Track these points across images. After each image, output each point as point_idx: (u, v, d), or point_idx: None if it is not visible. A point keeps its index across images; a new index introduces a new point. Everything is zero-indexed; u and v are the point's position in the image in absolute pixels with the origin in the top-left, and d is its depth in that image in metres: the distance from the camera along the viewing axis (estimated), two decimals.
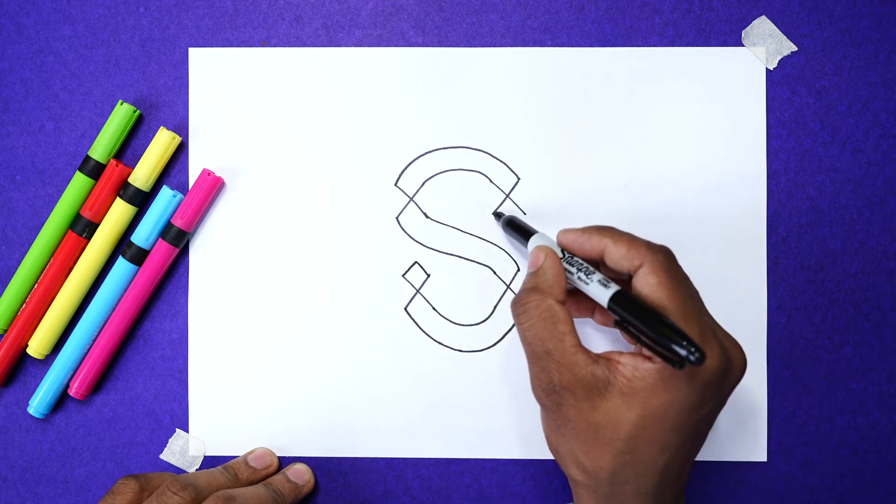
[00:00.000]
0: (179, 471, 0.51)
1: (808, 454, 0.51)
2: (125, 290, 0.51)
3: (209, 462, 0.51)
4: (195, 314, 0.52)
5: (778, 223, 0.51)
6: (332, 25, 0.52)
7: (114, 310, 0.51)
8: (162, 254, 0.50)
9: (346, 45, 0.52)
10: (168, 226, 0.50)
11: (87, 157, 0.50)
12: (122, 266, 0.50)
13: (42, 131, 0.52)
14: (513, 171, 0.51)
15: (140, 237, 0.50)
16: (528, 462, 0.51)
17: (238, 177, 0.52)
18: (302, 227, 0.52)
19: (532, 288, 0.42)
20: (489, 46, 0.51)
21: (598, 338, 0.51)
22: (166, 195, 0.50)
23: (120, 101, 0.50)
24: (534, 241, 0.45)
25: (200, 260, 0.52)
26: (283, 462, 0.51)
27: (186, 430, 0.51)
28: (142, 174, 0.50)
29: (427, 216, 0.52)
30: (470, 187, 0.52)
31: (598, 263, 0.43)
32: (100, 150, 0.50)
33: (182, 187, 0.52)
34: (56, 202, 0.51)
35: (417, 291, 0.51)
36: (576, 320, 0.46)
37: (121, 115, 0.50)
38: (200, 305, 0.52)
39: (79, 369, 0.51)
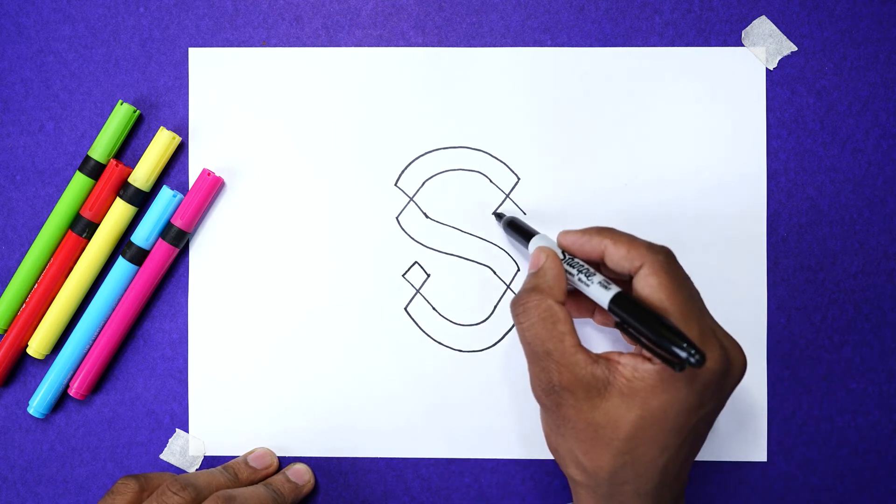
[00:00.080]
0: (179, 471, 0.51)
1: (808, 454, 0.51)
2: (125, 290, 0.51)
3: (209, 462, 0.51)
4: (195, 314, 0.52)
5: (778, 223, 0.51)
6: (332, 25, 0.52)
7: (114, 310, 0.51)
8: (162, 254, 0.50)
9: (346, 45, 0.52)
10: (168, 226, 0.50)
11: (87, 157, 0.50)
12: (122, 266, 0.50)
13: (42, 131, 0.52)
14: (513, 171, 0.51)
15: (140, 237, 0.50)
16: (528, 462, 0.51)
17: (238, 177, 0.52)
18: (302, 227, 0.52)
19: (532, 288, 0.42)
20: (489, 46, 0.51)
21: (598, 338, 0.51)
22: (166, 195, 0.50)
23: (120, 101, 0.50)
24: (535, 243, 0.45)
25: (200, 260, 0.52)
26: (283, 462, 0.51)
27: (186, 430, 0.51)
28: (142, 174, 0.50)
29: (427, 216, 0.52)
30: (470, 187, 0.52)
31: (598, 264, 0.43)
32: (100, 150, 0.50)
33: (182, 187, 0.52)
34: (56, 202, 0.51)
35: (417, 291, 0.51)
36: (576, 320, 0.46)
37: (121, 115, 0.50)
38: (200, 305, 0.52)
39: (79, 369, 0.51)
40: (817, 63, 0.51)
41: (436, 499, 0.51)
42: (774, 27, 0.51)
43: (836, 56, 0.51)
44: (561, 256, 0.43)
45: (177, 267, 0.52)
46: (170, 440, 0.52)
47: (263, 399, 0.51)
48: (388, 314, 0.51)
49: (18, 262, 0.52)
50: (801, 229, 0.51)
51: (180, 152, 0.52)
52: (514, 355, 0.51)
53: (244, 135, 0.52)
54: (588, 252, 0.43)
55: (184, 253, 0.52)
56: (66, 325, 0.51)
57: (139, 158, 0.51)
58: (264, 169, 0.52)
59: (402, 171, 0.52)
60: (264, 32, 0.52)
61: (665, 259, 0.40)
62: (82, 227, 0.50)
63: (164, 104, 0.52)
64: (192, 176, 0.51)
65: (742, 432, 0.51)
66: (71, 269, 0.51)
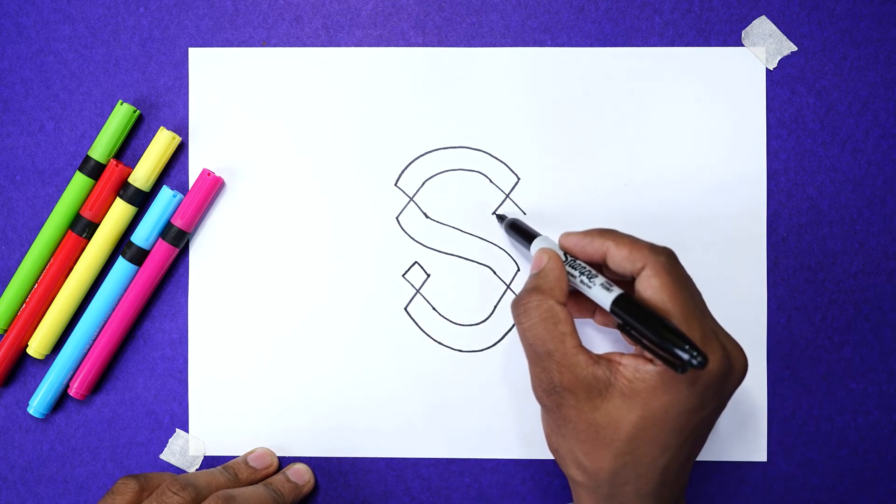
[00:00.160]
0: (179, 471, 0.51)
1: (808, 454, 0.51)
2: (125, 290, 0.51)
3: (209, 462, 0.51)
4: (195, 314, 0.52)
5: (778, 223, 0.51)
6: (332, 25, 0.52)
7: (114, 310, 0.51)
8: (162, 254, 0.50)
9: (346, 45, 0.52)
10: (168, 226, 0.50)
11: (87, 157, 0.50)
12: (122, 266, 0.50)
13: (42, 131, 0.52)
14: (513, 171, 0.51)
15: (140, 237, 0.50)
16: (528, 462, 0.51)
17: (238, 177, 0.52)
18: (302, 226, 0.52)
19: (533, 289, 0.42)
20: (489, 46, 0.51)
21: (599, 339, 0.51)
22: (166, 195, 0.50)
23: (120, 101, 0.50)
24: (536, 244, 0.45)
25: (200, 260, 0.52)
26: (283, 462, 0.51)
27: (186, 430, 0.51)
28: (142, 174, 0.50)
29: (427, 216, 0.52)
30: (470, 187, 0.52)
31: (600, 266, 0.43)
32: (100, 150, 0.50)
33: (182, 187, 0.52)
34: (56, 202, 0.51)
35: (417, 291, 0.51)
36: (576, 321, 0.46)
37: (121, 115, 0.50)
38: (200, 305, 0.52)
39: (79, 369, 0.51)
40: (817, 63, 0.51)
41: (436, 499, 0.51)
42: (774, 27, 0.51)
43: (836, 56, 0.51)
44: (563, 258, 0.43)
45: (177, 267, 0.52)
46: (170, 440, 0.52)
47: (263, 399, 0.51)
48: (388, 314, 0.51)
49: (18, 262, 0.52)
50: (801, 229, 0.51)
51: (180, 152, 0.52)
52: (514, 355, 0.51)
53: (244, 135, 0.52)
54: (590, 254, 0.43)
55: (184, 253, 0.52)
56: (66, 325, 0.51)
57: (139, 158, 0.51)
58: (264, 169, 0.52)
59: (402, 171, 0.52)
60: (264, 32, 0.52)
61: (667, 260, 0.40)
62: (82, 227, 0.50)
63: (164, 104, 0.52)
64: (192, 176, 0.51)
65: (742, 432, 0.51)
66: (71, 269, 0.51)
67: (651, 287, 0.40)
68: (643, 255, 0.40)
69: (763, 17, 0.51)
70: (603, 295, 0.41)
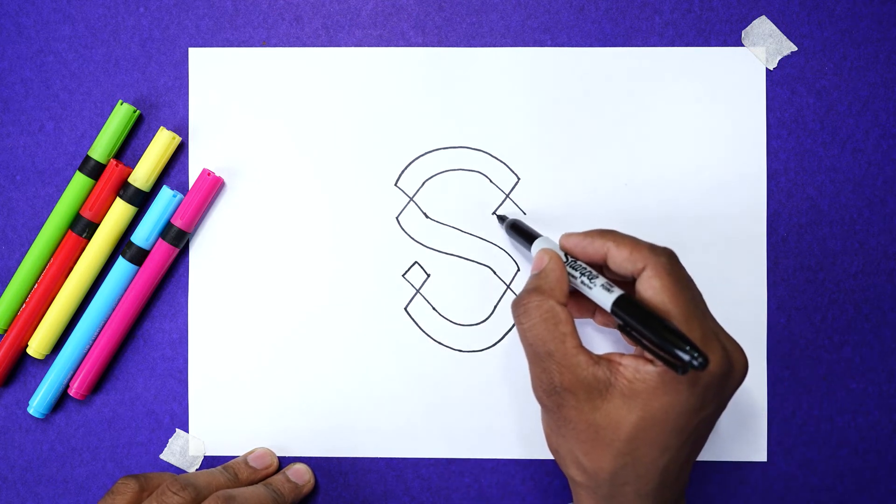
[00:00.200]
0: (179, 471, 0.51)
1: (808, 454, 0.51)
2: (125, 290, 0.51)
3: (209, 462, 0.51)
4: (195, 314, 0.52)
5: (778, 223, 0.51)
6: (332, 25, 0.52)
7: (114, 310, 0.51)
8: (162, 254, 0.50)
9: (346, 45, 0.52)
10: (168, 226, 0.50)
11: (87, 157, 0.50)
12: (122, 266, 0.50)
13: (42, 131, 0.52)
14: (513, 171, 0.51)
15: (140, 237, 0.50)
16: (528, 462, 0.51)
17: (238, 177, 0.52)
18: (302, 226, 0.52)
19: (534, 289, 0.42)
20: (489, 46, 0.51)
21: (599, 339, 0.51)
22: (166, 195, 0.50)
23: (120, 101, 0.50)
24: (537, 245, 0.45)
25: (200, 260, 0.52)
26: (283, 462, 0.51)
27: (186, 430, 0.51)
28: (142, 174, 0.50)
29: (427, 216, 0.52)
30: (470, 187, 0.52)
31: (601, 266, 0.43)
32: (100, 150, 0.50)
33: (182, 187, 0.52)
34: (56, 202, 0.51)
35: (417, 291, 0.51)
36: (577, 321, 0.46)
37: (121, 115, 0.50)
38: (200, 305, 0.52)
39: (79, 369, 0.51)
40: (817, 63, 0.51)
41: (436, 499, 0.51)
42: (774, 27, 0.51)
43: (836, 56, 0.51)
44: (563, 259, 0.43)
45: (177, 267, 0.52)
46: (170, 440, 0.52)
47: (263, 399, 0.51)
48: (388, 314, 0.51)
49: (18, 262, 0.52)
50: (801, 229, 0.51)
51: (180, 152, 0.52)
52: (514, 355, 0.51)
53: (244, 135, 0.52)
54: (591, 254, 0.43)
55: (184, 253, 0.52)
56: (66, 325, 0.51)
57: (139, 158, 0.51)
58: (264, 169, 0.52)
59: (402, 171, 0.52)
60: (264, 32, 0.52)
61: (668, 261, 0.40)
62: (82, 227, 0.50)
63: (164, 104, 0.52)
64: (192, 176, 0.51)
65: (742, 432, 0.51)
66: (71, 269, 0.51)
67: (652, 288, 0.40)
68: (644, 256, 0.40)
69: (763, 17, 0.51)
70: (603, 296, 0.41)
